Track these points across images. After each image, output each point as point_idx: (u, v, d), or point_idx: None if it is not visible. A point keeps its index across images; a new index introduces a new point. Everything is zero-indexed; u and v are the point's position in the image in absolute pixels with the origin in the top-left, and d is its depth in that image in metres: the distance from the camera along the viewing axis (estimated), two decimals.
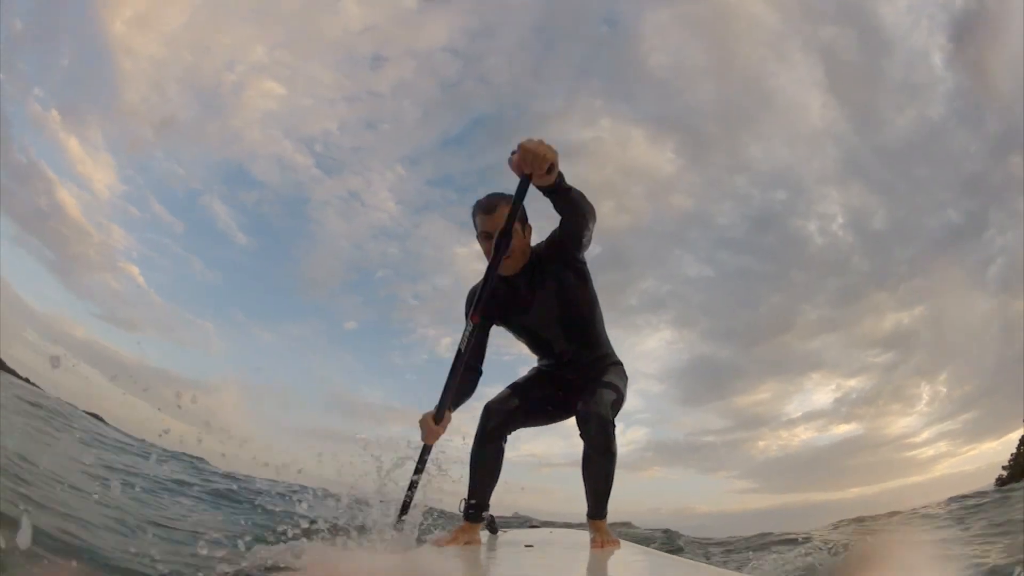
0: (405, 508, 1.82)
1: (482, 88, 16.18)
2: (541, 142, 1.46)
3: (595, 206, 1.67)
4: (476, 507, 1.84)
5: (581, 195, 1.62)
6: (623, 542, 1.87)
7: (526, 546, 1.81)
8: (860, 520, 6.27)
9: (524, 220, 1.80)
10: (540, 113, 16.12)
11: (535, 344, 1.99)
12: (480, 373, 1.87)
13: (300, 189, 16.18)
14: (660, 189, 16.46)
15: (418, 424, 1.74)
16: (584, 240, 1.73)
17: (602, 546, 1.75)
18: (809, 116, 15.32)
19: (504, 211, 1.66)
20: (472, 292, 1.85)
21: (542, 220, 1.82)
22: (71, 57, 13.93)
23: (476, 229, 1.79)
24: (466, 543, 1.79)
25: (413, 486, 1.79)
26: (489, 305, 1.75)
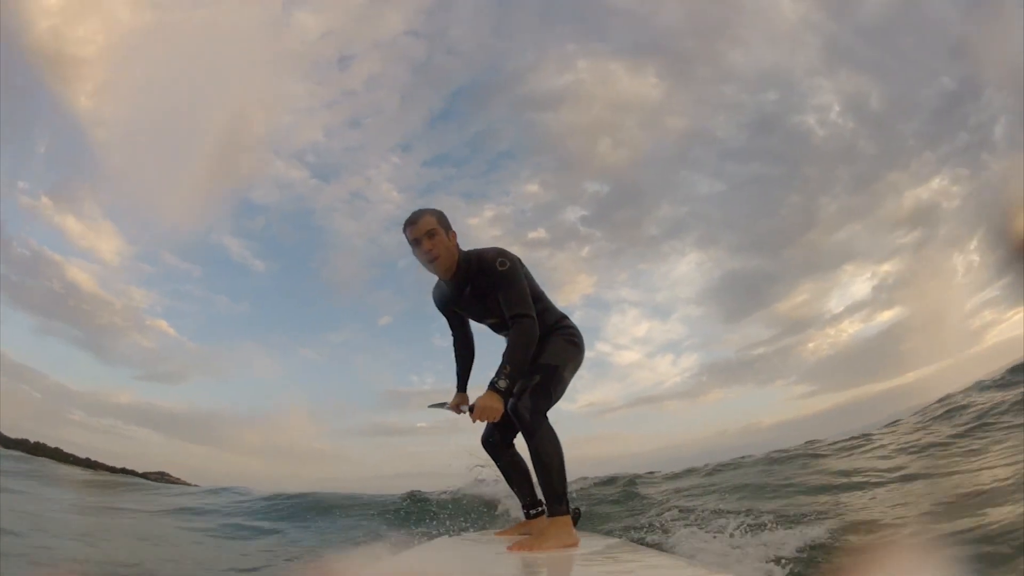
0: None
1: (453, 60, 15.68)
2: (487, 408, 1.77)
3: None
4: (525, 507, 2.18)
5: (522, 348, 1.86)
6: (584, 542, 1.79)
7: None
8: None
9: (447, 228, 2.02)
10: (515, 69, 15.59)
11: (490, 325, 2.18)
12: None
13: (303, 202, 16.25)
14: (652, 116, 15.87)
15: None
16: None
17: (529, 549, 1.69)
18: (782, 11, 14.45)
19: (428, 219, 1.95)
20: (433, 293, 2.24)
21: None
22: (46, 143, 14.18)
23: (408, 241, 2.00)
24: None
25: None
26: (443, 301, 2.18)
